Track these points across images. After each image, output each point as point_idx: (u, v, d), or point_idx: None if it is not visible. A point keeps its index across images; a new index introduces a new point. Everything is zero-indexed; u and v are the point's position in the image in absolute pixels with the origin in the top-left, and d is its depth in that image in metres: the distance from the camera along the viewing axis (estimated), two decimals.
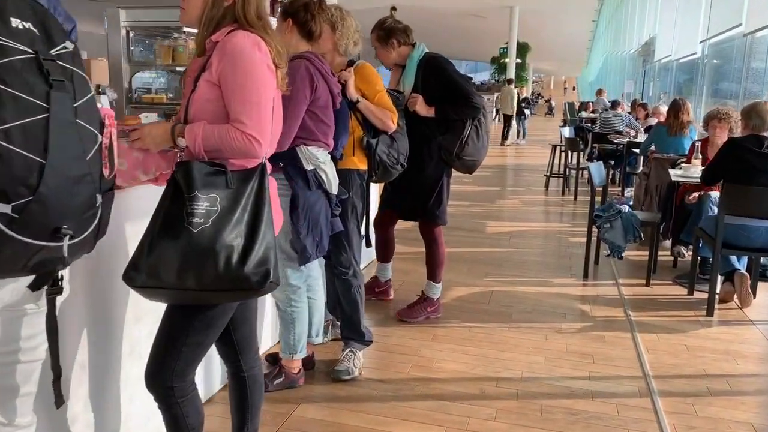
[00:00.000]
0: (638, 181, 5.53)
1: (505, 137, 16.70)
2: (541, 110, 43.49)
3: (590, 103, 18.08)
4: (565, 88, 58.16)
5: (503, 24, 31.78)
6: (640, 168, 7.94)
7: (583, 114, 16.82)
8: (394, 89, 3.14)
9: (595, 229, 4.43)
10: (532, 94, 48.34)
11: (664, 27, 12.49)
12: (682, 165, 4.55)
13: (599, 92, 17.85)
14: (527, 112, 17.04)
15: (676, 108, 5.66)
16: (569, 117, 21.17)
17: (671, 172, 4.57)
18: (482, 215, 6.71)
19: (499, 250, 5.18)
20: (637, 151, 6.83)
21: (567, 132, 10.53)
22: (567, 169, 8.38)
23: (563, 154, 9.21)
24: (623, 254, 4.28)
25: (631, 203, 6.90)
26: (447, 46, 52.46)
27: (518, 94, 18.97)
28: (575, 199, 7.90)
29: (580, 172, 8.11)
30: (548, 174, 8.82)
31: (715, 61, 8.71)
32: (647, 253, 4.47)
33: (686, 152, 5.64)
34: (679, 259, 4.76)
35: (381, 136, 2.89)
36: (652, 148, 5.94)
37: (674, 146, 5.64)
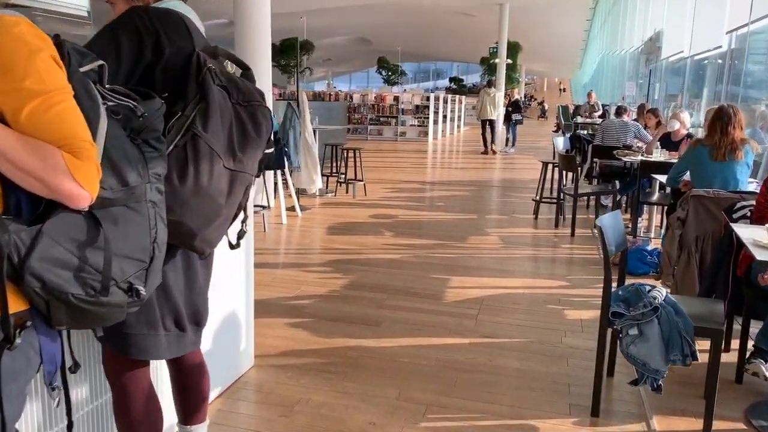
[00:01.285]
0: (669, 231, 3.70)
1: (488, 145, 14.89)
2: (533, 113, 42.00)
3: (584, 106, 16.26)
4: (560, 90, 56.64)
5: (493, 23, 30.08)
6: (656, 195, 6.13)
7: (579, 119, 15.03)
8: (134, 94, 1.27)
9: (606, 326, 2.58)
10: (525, 96, 46.81)
11: (674, 19, 10.68)
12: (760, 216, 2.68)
13: (589, 95, 16.00)
14: (516, 117, 15.12)
15: (723, 119, 3.82)
16: (563, 122, 19.44)
17: (741, 234, 2.70)
18: (447, 265, 4.85)
19: (457, 343, 3.32)
20: (661, 178, 5.00)
21: (561, 143, 8.73)
22: (562, 194, 6.54)
23: (555, 169, 7.35)
24: (662, 382, 2.43)
25: (648, 247, 5.09)
26: (435, 46, 51.03)
27: (509, 96, 17.18)
28: (572, 234, 6.06)
29: (579, 197, 6.28)
30: (538, 198, 6.98)
31: (726, 60, 6.93)
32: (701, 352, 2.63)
33: (740, 186, 3.81)
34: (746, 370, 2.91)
35: (57, 215, 1.04)
36: (686, 177, 4.11)
37: (722, 176, 3.82)
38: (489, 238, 5.90)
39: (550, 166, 7.25)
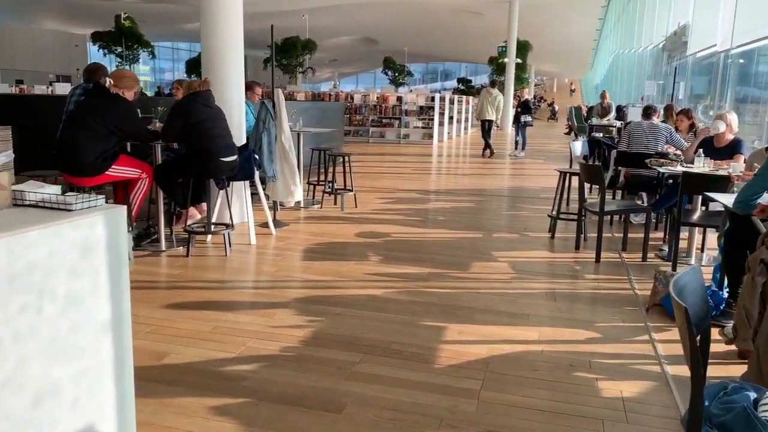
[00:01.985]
0: (746, 283, 2.65)
1: (487, 147, 13.90)
2: (543, 114, 40.96)
3: (596, 107, 15.16)
4: (570, 91, 55.51)
5: (501, 22, 29.07)
6: (697, 213, 5.08)
7: (594, 121, 13.96)
8: None
9: None
10: (534, 97, 45.73)
11: (705, 9, 9.60)
12: None
13: (602, 95, 14.87)
14: (525, 118, 14.08)
15: None
16: (575, 123, 18.29)
17: None
18: (443, 305, 3.83)
19: None
20: (718, 197, 3.94)
21: (579, 149, 7.69)
22: (584, 211, 5.49)
23: (572, 178, 6.32)
24: None
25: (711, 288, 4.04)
26: (442, 46, 50.03)
27: (518, 97, 16.16)
28: (597, 260, 5.02)
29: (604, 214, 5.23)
30: (555, 215, 5.94)
31: None
32: None
33: None
34: None
35: None
36: (764, 199, 3.07)
37: None
38: (497, 265, 4.87)
39: (567, 177, 6.21)
